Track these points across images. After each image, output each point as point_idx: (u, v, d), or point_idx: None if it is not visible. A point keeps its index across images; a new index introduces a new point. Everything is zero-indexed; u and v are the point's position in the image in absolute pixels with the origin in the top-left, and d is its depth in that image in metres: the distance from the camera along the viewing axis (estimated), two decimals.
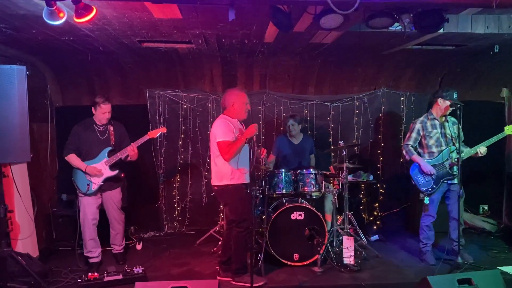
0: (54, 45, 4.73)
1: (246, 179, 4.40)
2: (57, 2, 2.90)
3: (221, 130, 4.28)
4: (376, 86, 6.55)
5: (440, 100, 4.88)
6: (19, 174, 4.56)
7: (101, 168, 4.73)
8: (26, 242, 4.68)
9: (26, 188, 4.89)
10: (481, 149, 4.79)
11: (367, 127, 6.64)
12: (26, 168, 4.93)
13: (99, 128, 4.86)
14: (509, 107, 6.62)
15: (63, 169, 5.99)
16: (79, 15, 3.02)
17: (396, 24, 3.56)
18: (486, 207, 6.77)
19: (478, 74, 6.49)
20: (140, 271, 4.39)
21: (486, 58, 5.73)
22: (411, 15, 3.44)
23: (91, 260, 4.84)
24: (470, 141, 4.95)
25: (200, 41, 4.70)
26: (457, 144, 4.70)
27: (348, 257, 4.75)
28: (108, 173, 4.77)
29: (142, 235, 6.18)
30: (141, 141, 4.84)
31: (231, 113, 4.45)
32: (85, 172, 4.69)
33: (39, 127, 5.62)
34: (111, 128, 4.91)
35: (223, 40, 4.74)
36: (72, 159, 4.74)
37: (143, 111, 6.18)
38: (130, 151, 4.76)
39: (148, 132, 4.92)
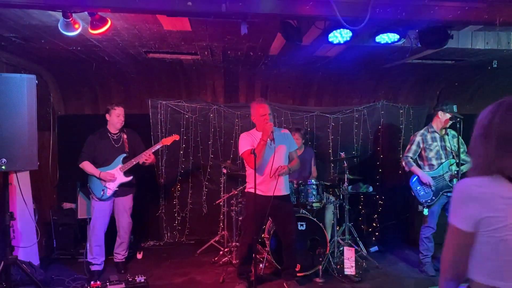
0: (60, 54, 4.76)
1: (266, 191, 4.33)
2: (73, 14, 2.95)
3: (239, 145, 4.45)
4: (376, 99, 6.64)
5: (440, 113, 4.97)
6: (22, 182, 4.55)
7: (114, 173, 4.83)
8: (27, 250, 4.65)
9: (28, 196, 4.88)
10: None
11: (366, 139, 6.69)
12: (28, 176, 4.93)
13: (113, 137, 4.98)
14: None
15: (64, 178, 6.01)
16: (94, 27, 3.07)
17: (402, 39, 3.63)
18: None
19: (475, 88, 6.60)
20: (143, 280, 4.37)
21: (483, 73, 5.85)
22: (417, 31, 3.53)
23: (93, 268, 4.84)
24: None
25: (206, 52, 4.76)
26: (456, 157, 4.79)
27: (349, 268, 4.79)
28: (123, 178, 4.88)
29: (142, 244, 6.18)
30: (155, 147, 5.01)
31: (256, 126, 4.52)
32: (99, 178, 4.78)
33: (40, 135, 5.55)
34: (125, 136, 5.04)
35: (229, 52, 4.79)
36: (86, 166, 4.84)
37: (145, 120, 6.21)
38: (145, 157, 4.88)
39: (162, 139, 5.09)
